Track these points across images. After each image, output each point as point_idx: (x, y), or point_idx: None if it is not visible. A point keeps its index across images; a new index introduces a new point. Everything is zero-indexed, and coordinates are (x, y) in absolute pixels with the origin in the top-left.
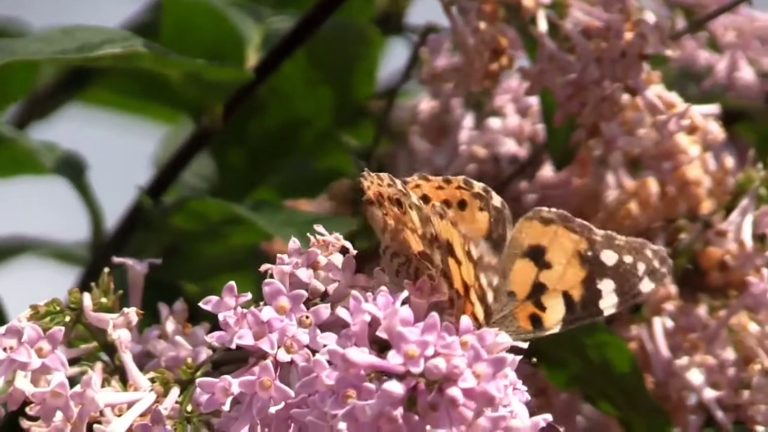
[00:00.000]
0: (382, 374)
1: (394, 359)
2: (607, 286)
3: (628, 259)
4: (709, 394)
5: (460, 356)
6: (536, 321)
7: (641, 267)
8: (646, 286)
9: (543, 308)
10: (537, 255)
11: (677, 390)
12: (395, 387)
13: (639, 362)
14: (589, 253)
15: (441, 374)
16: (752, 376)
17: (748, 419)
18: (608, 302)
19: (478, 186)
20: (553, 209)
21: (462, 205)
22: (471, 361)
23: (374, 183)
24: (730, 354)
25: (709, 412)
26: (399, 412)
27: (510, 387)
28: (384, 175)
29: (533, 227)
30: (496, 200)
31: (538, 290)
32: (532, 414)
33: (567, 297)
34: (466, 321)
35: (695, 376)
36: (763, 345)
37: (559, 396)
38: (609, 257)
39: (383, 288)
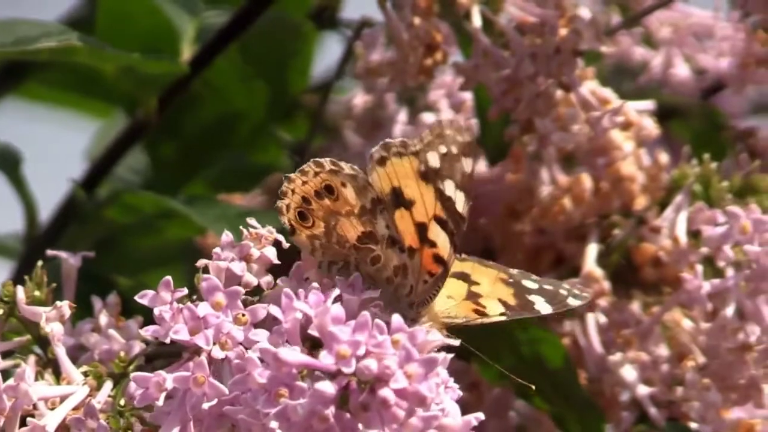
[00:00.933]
0: (315, 372)
1: (325, 359)
2: (537, 299)
3: (548, 287)
4: (643, 390)
5: (391, 356)
6: (481, 314)
7: (563, 292)
8: (573, 302)
9: (483, 307)
10: (463, 277)
11: (610, 386)
12: (327, 387)
13: (572, 358)
14: (510, 280)
15: (373, 375)
16: (685, 372)
17: (682, 416)
18: (543, 308)
19: (328, 163)
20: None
21: (329, 190)
22: (402, 362)
23: (296, 186)
24: (663, 350)
25: (643, 409)
26: (331, 411)
27: (442, 386)
28: (306, 166)
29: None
30: (347, 168)
31: (473, 296)
32: (464, 410)
33: (502, 302)
34: (397, 319)
35: (628, 372)
36: (697, 341)
37: (492, 391)
38: (530, 283)
39: (315, 285)
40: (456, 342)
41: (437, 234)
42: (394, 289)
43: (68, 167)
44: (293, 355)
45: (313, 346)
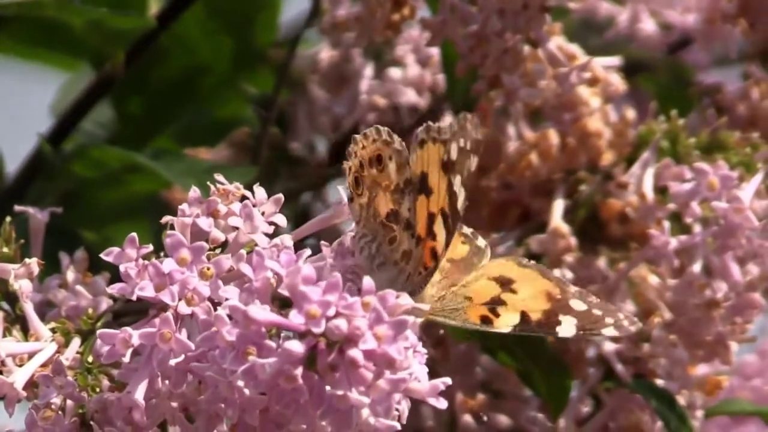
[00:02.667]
0: (283, 331)
1: (295, 318)
2: (569, 321)
3: (597, 312)
4: (609, 346)
5: (361, 317)
6: (486, 321)
7: (609, 320)
8: (610, 332)
9: (497, 315)
10: (504, 282)
11: (576, 342)
12: (295, 346)
13: None
14: (559, 297)
15: (342, 335)
16: (652, 328)
17: (648, 372)
18: (566, 331)
19: (384, 133)
20: (533, 263)
21: (379, 160)
22: (372, 323)
23: (357, 149)
24: (630, 306)
25: (609, 365)
26: (299, 371)
27: (411, 349)
28: (368, 131)
29: (506, 265)
30: (397, 143)
31: (497, 303)
32: (430, 366)
33: (524, 315)
34: (368, 281)
35: None
36: (664, 298)
37: (458, 347)
38: (578, 305)
39: (287, 245)
40: (426, 307)
41: (440, 228)
42: (397, 273)
43: (34, 121)
44: (262, 313)
45: (282, 305)
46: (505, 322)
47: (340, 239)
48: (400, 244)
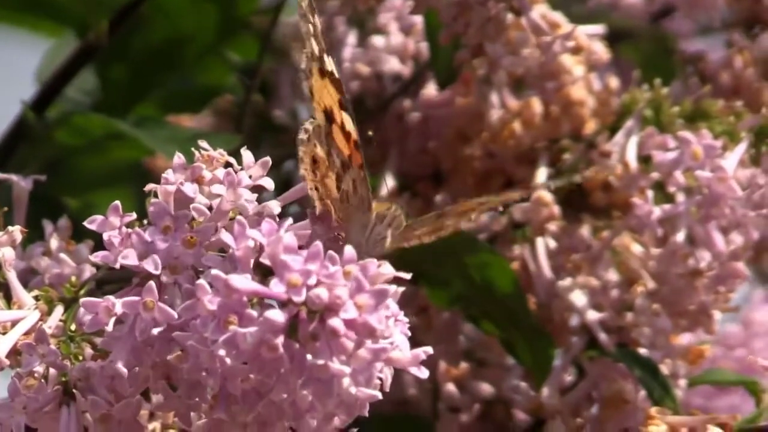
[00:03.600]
0: (265, 300)
1: (276, 287)
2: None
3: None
4: (592, 315)
5: (342, 286)
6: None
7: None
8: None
9: None
10: None
11: (560, 311)
12: (277, 315)
13: (521, 283)
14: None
15: (323, 304)
16: (635, 297)
17: (632, 341)
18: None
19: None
20: None
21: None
22: (353, 292)
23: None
24: (613, 275)
25: (592, 334)
26: (280, 340)
27: (392, 318)
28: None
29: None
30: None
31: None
32: (413, 334)
33: None
34: (349, 250)
35: (578, 298)
36: (647, 266)
37: (441, 315)
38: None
39: (275, 212)
40: (407, 276)
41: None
42: (358, 212)
43: (19, 87)
44: (244, 282)
45: (264, 274)
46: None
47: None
48: (349, 184)
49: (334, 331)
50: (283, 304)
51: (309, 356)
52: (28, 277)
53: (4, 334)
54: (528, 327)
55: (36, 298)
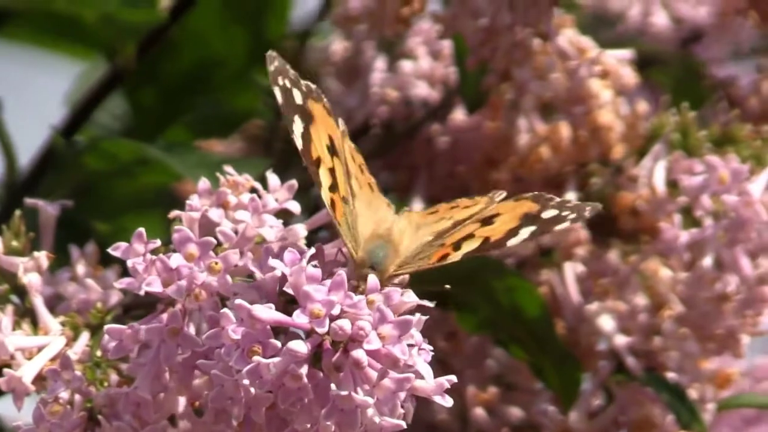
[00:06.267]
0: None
1: (299, 318)
2: (526, 230)
3: (565, 212)
4: (620, 339)
5: (366, 317)
6: (443, 259)
7: (570, 216)
8: (563, 226)
9: (459, 249)
10: (490, 219)
11: (588, 335)
12: (299, 346)
13: (549, 307)
14: (534, 212)
15: (346, 336)
16: (663, 322)
17: (659, 366)
18: (515, 240)
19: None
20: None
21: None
22: (377, 323)
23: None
24: (641, 300)
25: (620, 358)
26: (304, 370)
27: (415, 347)
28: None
29: (505, 204)
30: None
31: (466, 238)
32: (442, 359)
33: (485, 240)
34: (372, 279)
35: (606, 322)
36: (675, 291)
37: (469, 340)
38: (549, 213)
39: (301, 235)
40: (431, 304)
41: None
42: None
43: (48, 110)
44: (267, 312)
45: (288, 302)
46: (460, 252)
47: None
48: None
49: (358, 362)
50: (307, 333)
51: (333, 386)
52: (54, 303)
53: (29, 359)
54: (556, 351)
55: (62, 323)
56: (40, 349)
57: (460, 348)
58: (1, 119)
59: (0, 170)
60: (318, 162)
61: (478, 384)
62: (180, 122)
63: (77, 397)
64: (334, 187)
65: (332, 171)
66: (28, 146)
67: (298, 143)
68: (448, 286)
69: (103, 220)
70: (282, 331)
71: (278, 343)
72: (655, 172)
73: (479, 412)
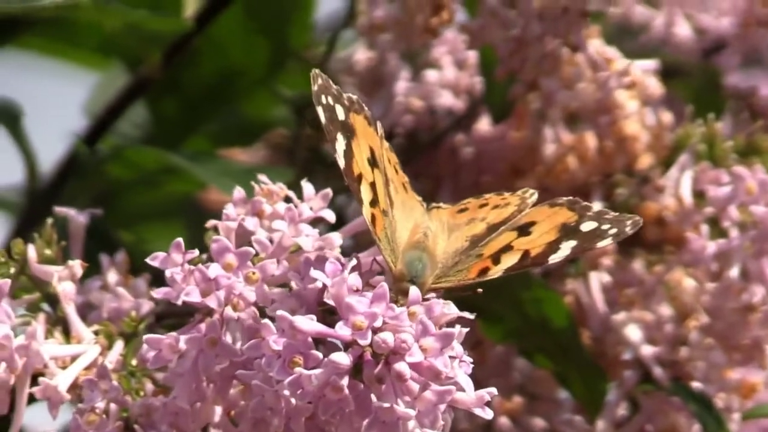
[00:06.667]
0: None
1: (341, 330)
2: (567, 245)
3: (605, 226)
4: (647, 349)
5: (408, 329)
6: (483, 273)
7: (611, 231)
8: (605, 243)
9: (498, 262)
10: (526, 227)
11: (613, 345)
12: (342, 358)
13: (575, 317)
14: (573, 224)
15: (388, 348)
16: (689, 332)
17: (685, 375)
18: (557, 257)
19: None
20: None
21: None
22: (419, 336)
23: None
24: (667, 310)
25: (646, 368)
26: (345, 382)
27: (456, 360)
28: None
29: (540, 210)
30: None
31: (504, 250)
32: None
33: (525, 254)
34: (414, 291)
35: (632, 332)
36: (701, 301)
37: (495, 349)
38: (588, 226)
39: (336, 243)
40: (471, 316)
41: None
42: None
43: (64, 119)
44: (309, 323)
45: (328, 310)
46: (501, 267)
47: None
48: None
49: (401, 375)
50: (348, 345)
51: (374, 397)
52: (85, 311)
53: (63, 368)
54: (581, 361)
55: (96, 332)
56: (73, 358)
57: (485, 357)
58: (23, 129)
59: (17, 177)
60: (359, 178)
61: (503, 393)
62: (202, 131)
63: (113, 406)
64: (374, 202)
65: (372, 185)
66: (43, 154)
67: (341, 163)
68: (480, 290)
69: (126, 229)
70: (320, 342)
71: (320, 355)
72: (681, 183)
73: (504, 421)
